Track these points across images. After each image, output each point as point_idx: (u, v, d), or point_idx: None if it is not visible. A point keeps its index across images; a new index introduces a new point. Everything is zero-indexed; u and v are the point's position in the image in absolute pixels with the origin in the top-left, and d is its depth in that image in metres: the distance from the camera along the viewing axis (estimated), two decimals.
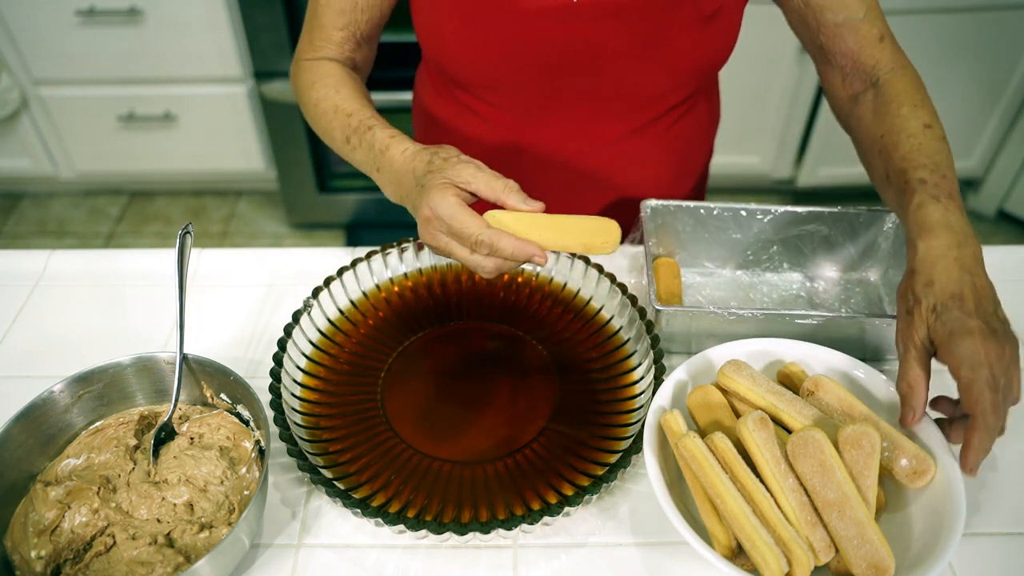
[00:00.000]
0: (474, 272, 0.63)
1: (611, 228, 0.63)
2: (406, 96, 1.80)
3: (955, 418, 0.60)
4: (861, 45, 0.75)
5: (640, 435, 0.60)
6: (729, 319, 0.69)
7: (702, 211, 0.81)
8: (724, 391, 0.62)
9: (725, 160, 2.14)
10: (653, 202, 0.81)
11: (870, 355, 0.73)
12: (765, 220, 0.81)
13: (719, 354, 0.65)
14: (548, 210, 0.91)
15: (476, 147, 0.87)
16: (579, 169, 0.86)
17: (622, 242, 0.96)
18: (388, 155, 0.68)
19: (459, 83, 0.83)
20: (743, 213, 0.81)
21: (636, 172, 0.88)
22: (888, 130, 0.70)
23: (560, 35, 0.74)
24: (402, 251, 0.77)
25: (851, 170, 2.18)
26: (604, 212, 0.92)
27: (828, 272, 0.83)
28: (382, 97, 1.89)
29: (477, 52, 0.77)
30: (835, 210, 0.80)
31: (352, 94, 0.74)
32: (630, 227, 0.95)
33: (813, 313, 0.68)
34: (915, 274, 0.60)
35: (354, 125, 0.71)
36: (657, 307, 0.69)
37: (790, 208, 0.80)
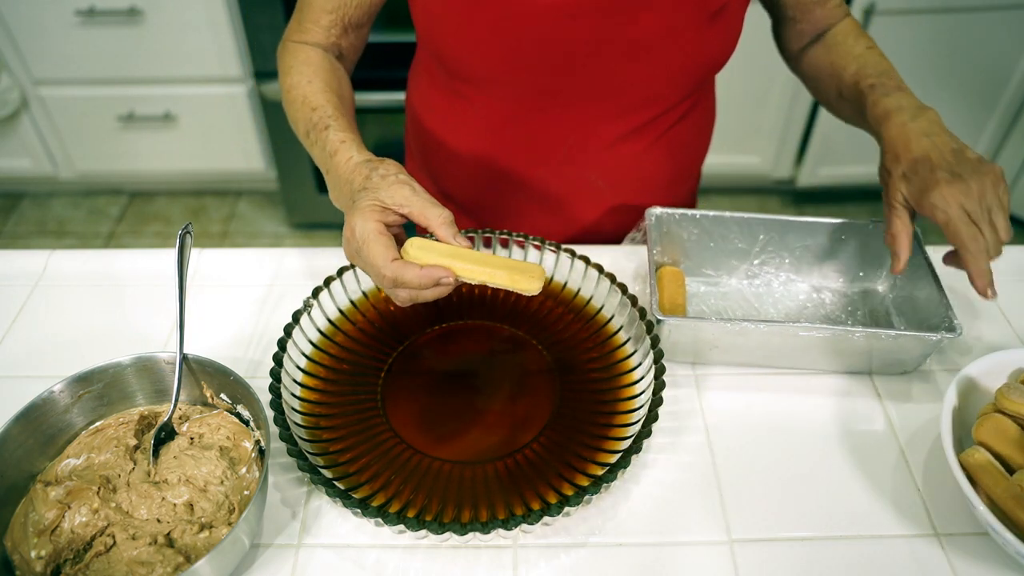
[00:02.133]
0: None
1: (538, 270, 0.61)
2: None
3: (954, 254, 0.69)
4: (825, 16, 0.86)
5: (640, 435, 0.60)
6: (732, 330, 0.69)
7: (707, 220, 0.80)
8: (1008, 415, 0.61)
9: (725, 160, 2.14)
10: (658, 210, 0.80)
11: (876, 368, 0.73)
12: (772, 230, 0.80)
13: (977, 371, 0.65)
14: (541, 205, 0.91)
15: (471, 139, 0.87)
16: (575, 166, 0.86)
17: (620, 241, 0.97)
18: (335, 160, 0.67)
19: (456, 74, 0.82)
20: (749, 222, 0.80)
21: (633, 172, 0.88)
22: (836, 56, 0.83)
23: (564, 31, 0.73)
24: None
25: (851, 170, 2.18)
26: (601, 213, 0.92)
27: (834, 283, 0.82)
28: (381, 97, 1.89)
29: (477, 44, 0.76)
30: (843, 221, 0.79)
31: (323, 87, 0.74)
32: (629, 228, 0.95)
33: (818, 325, 0.68)
34: (884, 154, 0.72)
35: (315, 121, 0.71)
36: (659, 317, 0.69)
37: (797, 218, 0.80)
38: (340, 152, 0.67)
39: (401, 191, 0.61)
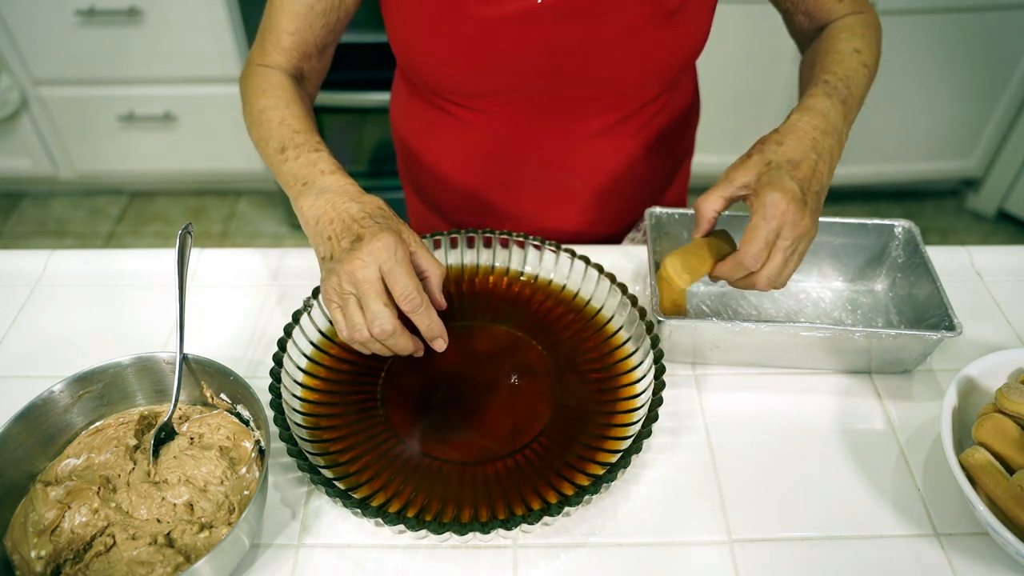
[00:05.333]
0: (351, 333, 0.63)
1: None
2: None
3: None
4: (818, 5, 0.81)
5: (640, 435, 0.60)
6: (733, 330, 0.69)
7: None
8: (1008, 415, 0.62)
9: (725, 160, 2.13)
10: (657, 210, 0.80)
11: (876, 367, 0.73)
12: None
13: (977, 372, 0.65)
14: (524, 210, 0.92)
15: (453, 148, 0.88)
16: (556, 167, 0.87)
17: (620, 241, 0.97)
18: (330, 177, 0.68)
19: (429, 88, 0.83)
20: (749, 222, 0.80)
21: (612, 169, 0.88)
22: (822, 49, 0.77)
23: (525, 39, 0.75)
24: None
25: (851, 170, 2.18)
26: (585, 215, 0.92)
27: (835, 282, 0.82)
28: (381, 97, 1.89)
29: (444, 59, 0.78)
30: (842, 220, 0.79)
31: (301, 114, 0.74)
32: (614, 230, 0.95)
33: (819, 325, 0.68)
34: (775, 133, 0.68)
35: (298, 142, 0.71)
36: (660, 318, 0.69)
37: None
38: (337, 173, 0.68)
39: (415, 235, 0.65)
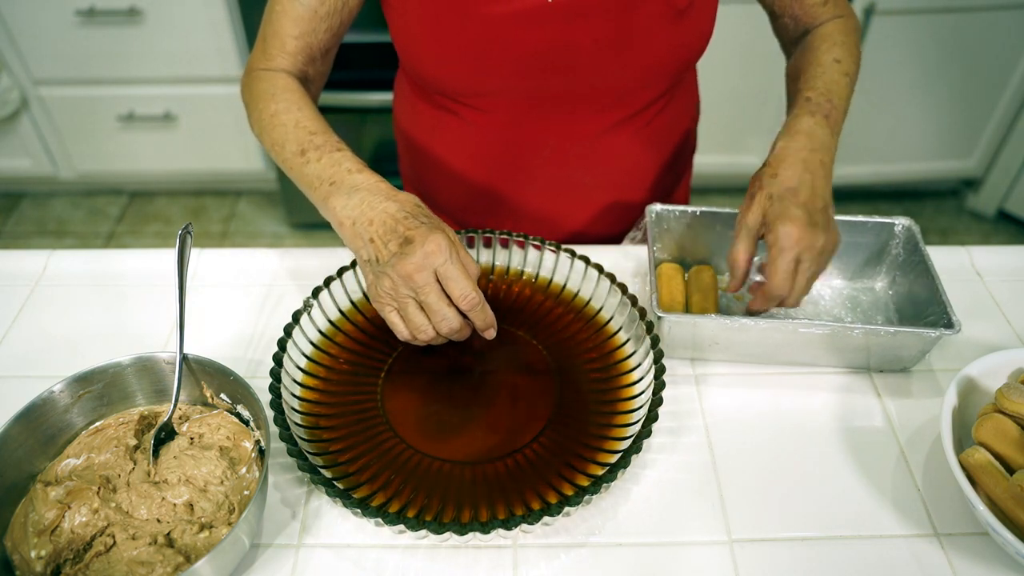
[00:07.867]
0: (415, 331, 0.65)
1: None
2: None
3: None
4: (805, 10, 0.84)
5: (640, 435, 0.60)
6: (732, 326, 0.69)
7: (707, 216, 0.80)
8: (1008, 415, 0.62)
9: (725, 160, 2.14)
10: (658, 207, 0.80)
11: (875, 365, 0.73)
12: None
13: (977, 372, 0.65)
14: (529, 210, 0.92)
15: (458, 148, 0.88)
16: (561, 166, 0.87)
17: (620, 241, 0.97)
18: (361, 175, 0.68)
19: (435, 89, 0.83)
20: None
21: (618, 167, 0.88)
22: (804, 61, 0.80)
23: (533, 38, 0.74)
24: None
25: (851, 169, 2.18)
26: (590, 213, 0.92)
27: (834, 280, 0.82)
28: (382, 97, 1.89)
29: (450, 59, 0.77)
30: (842, 219, 0.79)
31: (315, 116, 0.74)
32: (619, 228, 0.95)
33: (818, 322, 0.68)
34: (767, 166, 0.71)
35: (318, 143, 0.71)
36: (659, 314, 0.69)
37: None
38: (365, 171, 0.68)
39: (453, 232, 0.65)
